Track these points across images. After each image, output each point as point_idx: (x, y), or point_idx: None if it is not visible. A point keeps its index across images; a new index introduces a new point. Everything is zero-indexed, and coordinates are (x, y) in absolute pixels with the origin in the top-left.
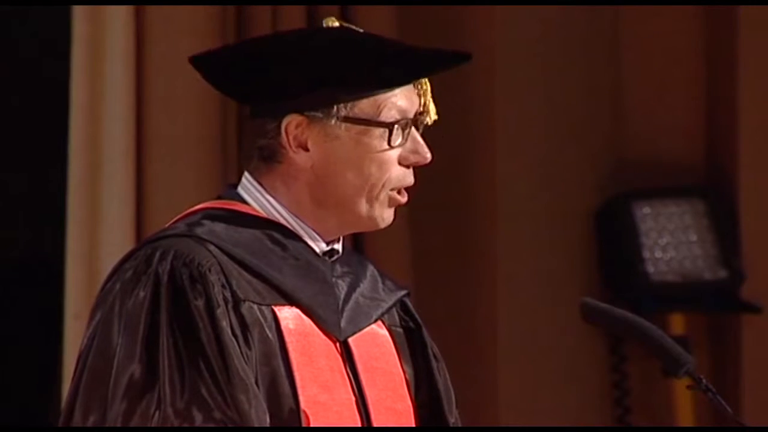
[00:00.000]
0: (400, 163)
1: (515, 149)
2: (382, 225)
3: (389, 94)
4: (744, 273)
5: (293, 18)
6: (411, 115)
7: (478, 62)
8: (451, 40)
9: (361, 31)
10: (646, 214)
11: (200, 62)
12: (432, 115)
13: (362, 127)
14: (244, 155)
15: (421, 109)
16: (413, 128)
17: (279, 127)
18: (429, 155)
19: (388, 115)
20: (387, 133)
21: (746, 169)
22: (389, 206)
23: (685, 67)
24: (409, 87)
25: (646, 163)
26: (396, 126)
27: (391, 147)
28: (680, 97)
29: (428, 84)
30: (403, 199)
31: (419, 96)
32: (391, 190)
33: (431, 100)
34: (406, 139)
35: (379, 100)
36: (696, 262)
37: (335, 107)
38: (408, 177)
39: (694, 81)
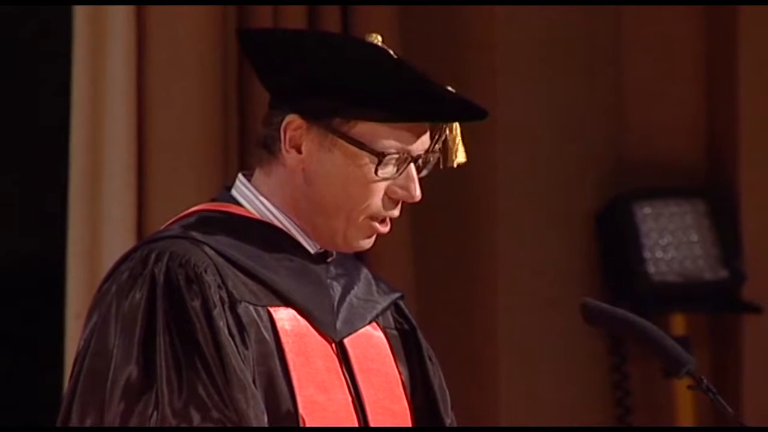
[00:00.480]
0: (387, 195)
1: (516, 150)
2: (356, 249)
3: (391, 125)
4: (745, 273)
5: (294, 18)
6: (414, 153)
7: (479, 62)
8: (452, 40)
9: (394, 56)
10: (647, 214)
11: (244, 37)
12: (455, 159)
13: (355, 149)
14: (255, 143)
15: (432, 149)
16: (412, 165)
17: (281, 122)
18: (418, 196)
19: (383, 144)
20: (376, 162)
21: (747, 169)
22: (367, 233)
23: (686, 67)
24: (421, 124)
25: (647, 164)
26: (388, 157)
27: (378, 176)
28: (681, 97)
29: (453, 128)
30: (384, 229)
31: (432, 135)
32: (372, 219)
33: (458, 143)
34: (400, 173)
35: (378, 127)
36: (697, 263)
37: (335, 121)
38: (392, 210)
39: (694, 81)
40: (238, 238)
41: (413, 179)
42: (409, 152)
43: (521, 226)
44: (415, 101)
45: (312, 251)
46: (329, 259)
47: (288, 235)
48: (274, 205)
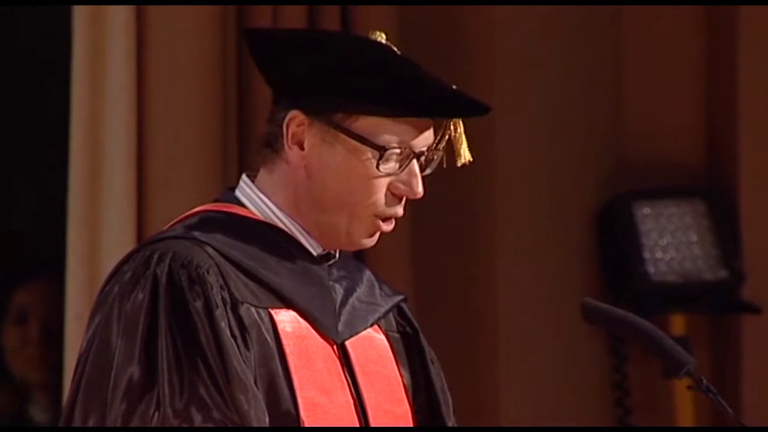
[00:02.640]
0: (390, 191)
1: (515, 149)
2: (359, 246)
3: (393, 120)
4: (744, 273)
5: (294, 18)
6: (416, 149)
7: (479, 62)
8: (452, 40)
9: (398, 53)
10: (646, 214)
11: (250, 36)
12: (460, 158)
13: (357, 143)
14: (260, 141)
15: (434, 145)
16: (415, 161)
17: (284, 119)
18: (419, 192)
19: (385, 139)
20: (378, 156)
21: (747, 170)
22: (370, 230)
23: (686, 67)
24: (425, 120)
25: (647, 164)
26: (389, 152)
27: (379, 171)
28: (681, 97)
29: (457, 125)
30: (387, 227)
31: (436, 132)
32: (376, 216)
33: (462, 142)
34: (402, 169)
35: (380, 122)
36: (696, 263)
37: (337, 115)
38: (396, 208)
39: (694, 81)
40: (241, 239)
41: (416, 175)
42: (411, 148)
43: (521, 226)
44: (417, 96)
45: (314, 253)
46: (331, 261)
47: (290, 237)
48: (277, 205)
